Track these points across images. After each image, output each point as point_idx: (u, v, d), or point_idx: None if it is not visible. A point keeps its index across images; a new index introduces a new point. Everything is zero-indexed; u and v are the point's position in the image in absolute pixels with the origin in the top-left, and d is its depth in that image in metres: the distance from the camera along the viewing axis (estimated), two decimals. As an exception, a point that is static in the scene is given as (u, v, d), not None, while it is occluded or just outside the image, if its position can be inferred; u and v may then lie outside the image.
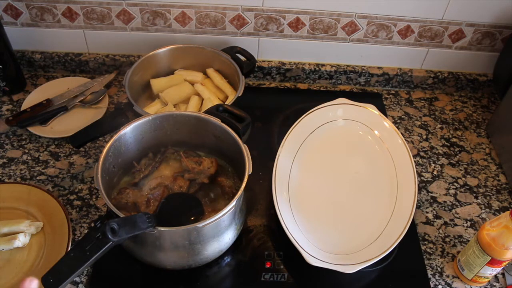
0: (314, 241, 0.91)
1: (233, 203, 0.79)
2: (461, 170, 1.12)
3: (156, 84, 1.14)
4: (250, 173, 0.83)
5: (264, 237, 0.96)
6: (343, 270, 0.85)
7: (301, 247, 0.87)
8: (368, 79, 1.31)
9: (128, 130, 0.90)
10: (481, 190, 1.08)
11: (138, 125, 0.91)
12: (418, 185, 1.07)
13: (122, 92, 1.23)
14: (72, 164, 1.06)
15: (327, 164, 1.03)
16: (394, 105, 1.28)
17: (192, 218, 0.85)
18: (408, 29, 1.21)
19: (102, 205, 0.98)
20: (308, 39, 1.24)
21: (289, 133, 1.02)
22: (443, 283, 0.92)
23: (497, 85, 1.23)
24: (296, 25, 1.21)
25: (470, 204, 1.06)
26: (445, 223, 1.01)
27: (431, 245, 0.98)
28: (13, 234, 0.89)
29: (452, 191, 1.08)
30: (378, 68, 1.30)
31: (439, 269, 0.94)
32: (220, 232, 0.84)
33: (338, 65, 1.29)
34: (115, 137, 0.88)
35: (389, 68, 1.30)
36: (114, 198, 0.89)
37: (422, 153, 1.16)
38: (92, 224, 0.95)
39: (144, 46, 1.23)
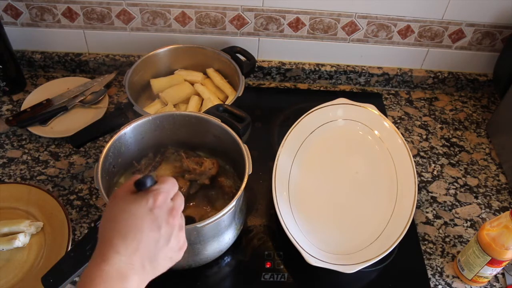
0: (314, 241, 0.91)
1: (233, 203, 0.79)
2: (461, 170, 1.12)
3: (156, 84, 1.14)
4: (250, 173, 0.83)
5: (264, 237, 0.96)
6: (343, 270, 0.85)
7: (301, 247, 0.87)
8: (368, 79, 1.31)
9: (128, 130, 0.90)
10: (481, 190, 1.08)
11: (138, 125, 0.91)
12: (418, 185, 1.07)
13: (122, 92, 1.23)
14: (72, 164, 1.06)
15: (327, 164, 1.03)
16: (394, 105, 1.28)
17: None
18: (408, 29, 1.21)
19: (102, 205, 0.98)
20: (308, 39, 1.24)
21: (289, 133, 1.02)
22: (443, 283, 0.92)
23: (497, 85, 1.23)
24: (296, 25, 1.21)
25: (470, 204, 1.06)
26: (445, 223, 1.01)
27: (431, 245, 0.98)
28: (13, 234, 0.89)
29: (452, 191, 1.08)
30: (378, 68, 1.30)
31: (439, 269, 0.94)
32: (220, 232, 0.84)
33: (338, 65, 1.29)
34: (115, 137, 0.88)
35: (389, 68, 1.30)
36: (114, 198, 0.89)
37: (422, 153, 1.16)
38: (92, 224, 0.94)
39: (144, 46, 1.23)
